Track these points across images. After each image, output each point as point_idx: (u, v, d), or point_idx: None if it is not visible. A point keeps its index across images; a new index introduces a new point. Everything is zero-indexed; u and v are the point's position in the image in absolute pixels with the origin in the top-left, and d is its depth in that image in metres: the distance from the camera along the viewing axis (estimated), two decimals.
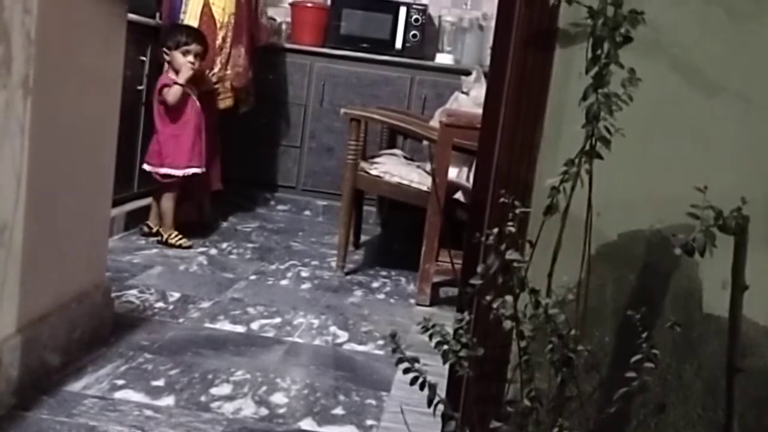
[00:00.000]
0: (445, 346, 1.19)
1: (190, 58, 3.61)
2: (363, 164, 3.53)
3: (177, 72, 3.59)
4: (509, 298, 1.19)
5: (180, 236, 3.61)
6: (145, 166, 3.62)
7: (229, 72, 3.88)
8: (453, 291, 3.38)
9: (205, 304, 2.88)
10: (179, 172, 3.59)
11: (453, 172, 3.54)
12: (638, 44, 1.17)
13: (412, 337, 2.66)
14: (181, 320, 2.68)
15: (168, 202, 3.65)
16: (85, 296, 2.27)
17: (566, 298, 1.23)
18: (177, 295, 2.94)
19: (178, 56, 3.61)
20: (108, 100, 2.33)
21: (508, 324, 1.19)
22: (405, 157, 3.93)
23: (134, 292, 2.90)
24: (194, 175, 3.62)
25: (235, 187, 4.67)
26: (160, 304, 2.81)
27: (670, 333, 1.25)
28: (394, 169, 3.51)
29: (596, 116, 1.15)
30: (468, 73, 4.30)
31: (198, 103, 3.65)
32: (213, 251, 3.64)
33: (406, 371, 1.17)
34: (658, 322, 1.35)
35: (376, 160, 3.67)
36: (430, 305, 3.20)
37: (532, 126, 1.38)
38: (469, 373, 1.22)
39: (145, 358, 2.31)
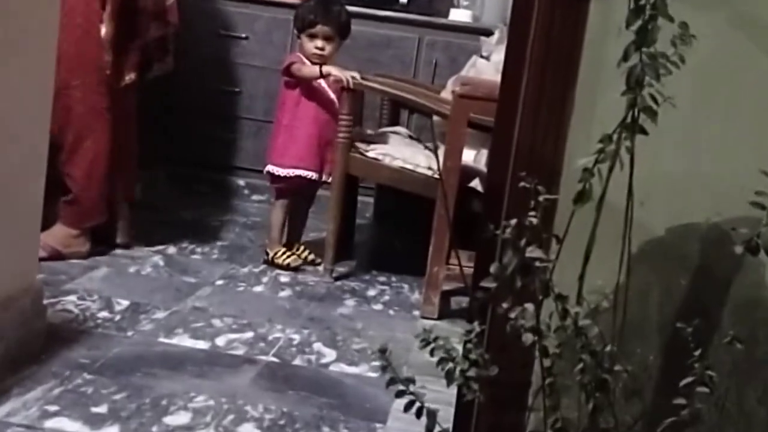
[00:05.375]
0: (450, 364, 1.19)
1: (318, 42, 3.60)
2: (358, 144, 3.53)
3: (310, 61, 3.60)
4: (530, 305, 1.19)
5: (288, 254, 3.62)
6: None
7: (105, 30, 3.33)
8: (467, 301, 3.38)
9: (160, 315, 2.88)
10: (282, 172, 3.59)
11: (469, 155, 3.54)
12: None
13: (415, 357, 2.66)
14: (129, 333, 2.69)
15: (276, 212, 3.69)
16: (10, 302, 2.27)
17: (601, 307, 1.23)
18: (125, 302, 2.94)
19: (305, 42, 3.62)
20: (39, 67, 2.33)
21: (528, 338, 1.19)
22: (410, 137, 3.93)
23: (73, 298, 2.91)
24: (299, 177, 3.60)
25: (197, 171, 4.68)
26: (104, 314, 2.81)
27: (730, 351, 1.25)
28: (396, 150, 3.51)
29: (639, 81, 1.14)
30: (489, 33, 4.30)
31: (330, 94, 3.63)
32: (171, 250, 3.65)
33: (398, 394, 1.17)
34: (715, 337, 1.35)
35: (375, 139, 3.67)
36: (439, 318, 3.20)
37: (560, 94, 1.38)
38: (480, 397, 1.22)
39: (84, 380, 2.31)
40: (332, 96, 3.61)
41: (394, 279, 3.68)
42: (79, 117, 3.31)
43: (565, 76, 1.38)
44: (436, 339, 1.20)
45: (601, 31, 1.37)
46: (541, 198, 1.19)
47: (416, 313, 3.27)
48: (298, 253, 3.70)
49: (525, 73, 1.42)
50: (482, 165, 3.52)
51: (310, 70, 3.56)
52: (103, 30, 3.31)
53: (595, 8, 1.38)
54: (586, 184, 1.18)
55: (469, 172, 3.36)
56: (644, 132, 1.17)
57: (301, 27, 3.64)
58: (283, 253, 3.62)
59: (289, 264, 3.59)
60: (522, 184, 1.21)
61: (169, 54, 3.66)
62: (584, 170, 1.18)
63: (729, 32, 1.39)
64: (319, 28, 3.60)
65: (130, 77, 3.45)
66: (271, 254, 3.62)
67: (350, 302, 3.31)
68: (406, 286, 3.61)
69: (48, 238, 3.23)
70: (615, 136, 1.17)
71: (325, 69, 3.52)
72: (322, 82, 3.59)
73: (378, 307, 3.31)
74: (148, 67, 3.59)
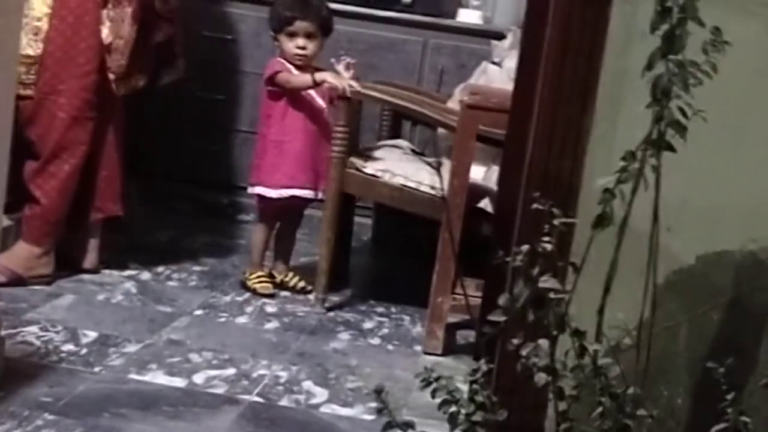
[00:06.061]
0: (454, 407, 1.19)
1: (299, 41, 3.60)
2: (354, 159, 3.53)
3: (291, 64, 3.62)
4: (544, 342, 1.19)
5: (262, 279, 3.62)
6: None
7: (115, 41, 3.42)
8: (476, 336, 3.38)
9: (132, 348, 2.87)
10: (274, 193, 3.60)
11: (478, 172, 3.55)
12: None
13: (416, 398, 2.66)
14: (97, 369, 2.68)
15: (258, 232, 3.70)
16: None
17: (622, 344, 1.23)
18: (93, 334, 2.93)
19: (284, 42, 3.62)
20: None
21: (541, 378, 1.19)
22: (413, 151, 3.94)
23: (34, 329, 2.90)
24: (293, 198, 3.61)
25: (175, 187, 4.68)
26: (69, 347, 2.80)
27: (767, 394, 1.25)
28: (397, 166, 3.51)
29: (666, 93, 1.15)
30: (501, 37, 4.31)
31: (319, 101, 3.64)
32: (145, 275, 3.64)
33: None
34: (751, 378, 1.35)
35: (373, 153, 3.67)
36: (443, 354, 3.19)
37: (579, 105, 1.38)
38: None
39: (45, 420, 2.30)
40: (321, 103, 3.62)
41: (393, 310, 3.67)
42: (63, 124, 3.32)
43: (584, 86, 1.39)
44: (438, 378, 1.20)
45: (624, 35, 1.38)
46: (556, 221, 1.19)
47: (418, 348, 3.26)
48: (286, 280, 3.70)
49: (539, 81, 1.42)
50: (493, 183, 3.52)
51: (301, 79, 3.56)
52: (104, 32, 3.33)
53: (617, 10, 1.38)
54: (607, 206, 1.18)
55: (477, 191, 3.37)
56: (672, 149, 1.17)
57: (278, 26, 3.62)
58: (258, 277, 3.62)
59: (255, 290, 3.58)
60: (535, 205, 1.22)
61: (179, 57, 3.72)
62: (605, 191, 1.18)
63: None
64: (299, 25, 3.59)
65: (136, 82, 3.50)
66: (245, 276, 3.63)
67: (344, 336, 3.30)
68: (407, 317, 3.60)
69: (7, 260, 3.24)
70: (639, 153, 1.17)
71: (319, 76, 3.51)
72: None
73: (375, 341, 3.30)
74: (159, 73, 3.65)
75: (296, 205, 3.67)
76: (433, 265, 3.20)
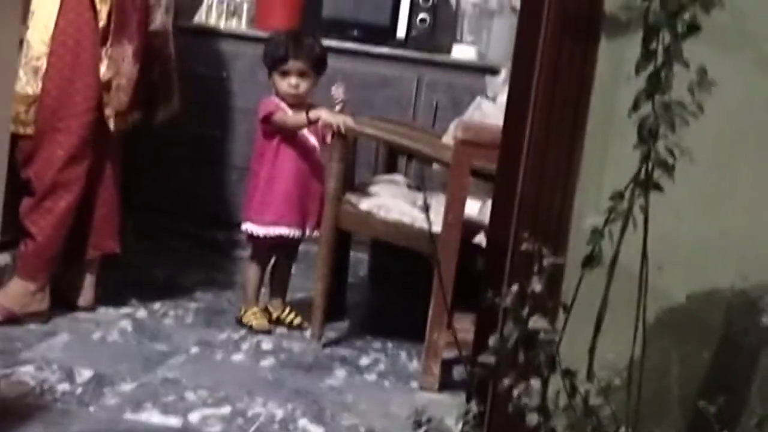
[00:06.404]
0: None
1: (292, 80, 3.60)
2: (350, 196, 3.54)
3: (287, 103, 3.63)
4: (535, 382, 1.19)
5: (258, 315, 3.62)
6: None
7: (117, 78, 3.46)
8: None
9: (127, 387, 2.86)
10: (262, 231, 3.61)
11: (473, 207, 3.55)
12: (712, 34, 1.18)
13: None
14: (92, 409, 2.67)
15: (251, 269, 3.71)
16: None
17: (613, 384, 1.23)
18: (88, 373, 2.92)
19: (277, 81, 3.63)
20: None
21: (533, 418, 1.19)
22: (408, 186, 3.94)
23: (29, 368, 2.89)
24: (281, 237, 3.62)
25: (170, 223, 4.67)
26: (64, 386, 2.79)
27: None
28: (393, 202, 3.51)
29: (653, 133, 1.15)
30: (495, 72, 4.33)
31: (312, 140, 3.65)
32: (141, 313, 3.63)
33: None
34: (743, 416, 1.35)
35: (369, 189, 3.68)
36: (440, 390, 3.18)
37: (567, 145, 1.39)
38: None
39: None
40: (313, 142, 3.63)
41: (390, 345, 3.65)
42: (60, 161, 3.32)
43: (573, 126, 1.39)
44: (429, 420, 1.20)
45: (613, 76, 1.38)
46: (545, 261, 1.19)
47: (414, 384, 3.24)
48: (282, 316, 3.69)
49: (529, 121, 1.43)
50: (488, 218, 3.51)
51: (296, 118, 3.56)
52: (102, 69, 3.34)
53: (606, 51, 1.39)
54: (596, 246, 1.19)
55: (472, 227, 3.36)
56: (660, 188, 1.17)
57: (271, 64, 3.63)
58: (254, 313, 3.61)
59: (252, 326, 3.58)
60: (525, 245, 1.22)
61: (175, 94, 3.76)
62: (594, 231, 1.19)
63: (755, 77, 1.40)
64: (292, 64, 3.59)
65: (132, 118, 3.51)
66: (241, 312, 3.64)
67: (340, 372, 3.29)
68: (403, 353, 3.58)
69: (2, 297, 3.25)
70: (627, 193, 1.18)
71: (314, 114, 3.52)
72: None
73: (372, 377, 3.29)
74: (156, 109, 3.68)
75: (287, 242, 3.67)
76: (429, 300, 3.19)
